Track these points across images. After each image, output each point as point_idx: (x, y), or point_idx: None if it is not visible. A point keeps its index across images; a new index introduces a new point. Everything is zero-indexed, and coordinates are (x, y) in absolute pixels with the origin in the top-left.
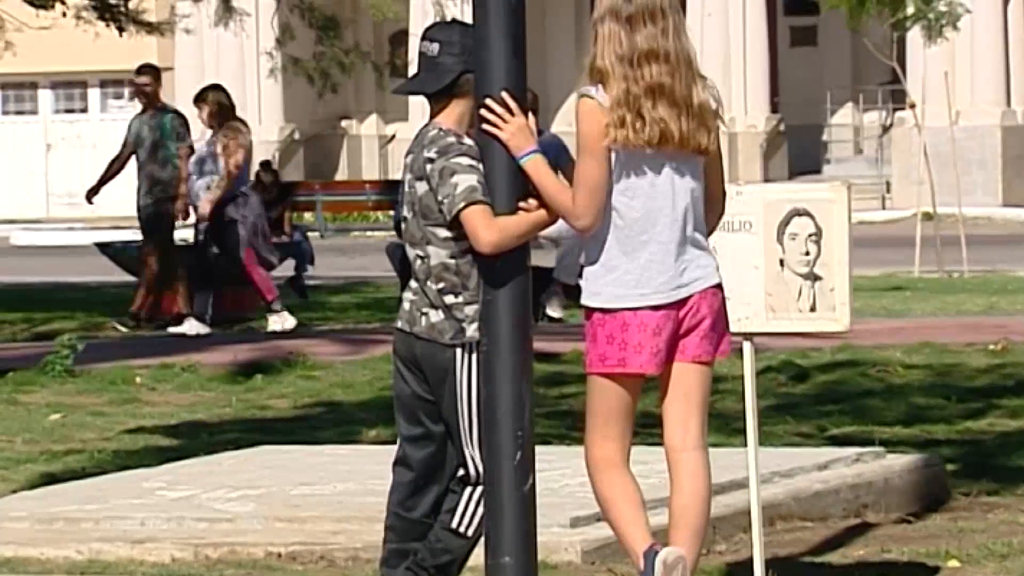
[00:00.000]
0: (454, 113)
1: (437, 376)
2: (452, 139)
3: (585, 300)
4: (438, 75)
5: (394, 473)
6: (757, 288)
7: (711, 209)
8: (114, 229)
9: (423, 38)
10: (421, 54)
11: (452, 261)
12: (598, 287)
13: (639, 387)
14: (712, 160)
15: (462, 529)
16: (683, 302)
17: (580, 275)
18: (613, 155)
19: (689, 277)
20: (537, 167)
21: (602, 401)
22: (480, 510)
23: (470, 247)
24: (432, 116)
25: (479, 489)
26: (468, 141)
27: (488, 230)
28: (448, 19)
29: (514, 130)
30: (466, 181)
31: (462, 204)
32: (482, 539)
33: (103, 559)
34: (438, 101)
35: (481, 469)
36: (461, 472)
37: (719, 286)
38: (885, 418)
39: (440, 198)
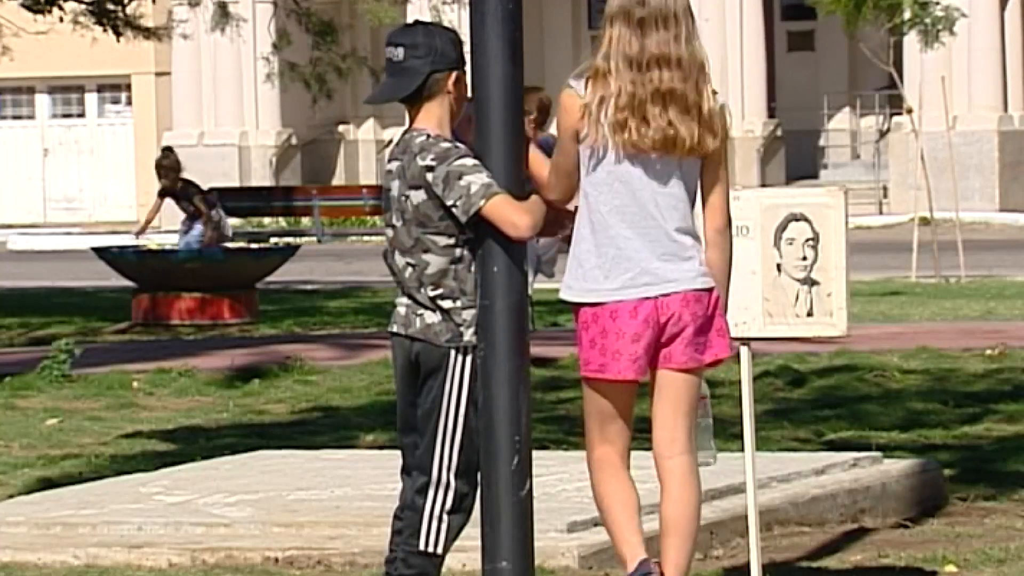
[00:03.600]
0: (433, 116)
1: (429, 375)
2: (447, 144)
3: (561, 293)
4: (407, 79)
5: (402, 481)
6: (754, 293)
7: (710, 215)
8: (111, 234)
9: (387, 44)
10: (388, 60)
11: (452, 267)
12: (570, 280)
13: (629, 391)
14: (713, 165)
15: (431, 549)
16: (663, 307)
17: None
18: (588, 149)
19: (662, 278)
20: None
21: (593, 404)
22: (444, 523)
23: (469, 253)
24: (411, 121)
25: (438, 499)
26: (461, 145)
27: (521, 214)
28: (413, 22)
29: None
30: (479, 180)
31: (482, 201)
32: (479, 543)
33: (100, 564)
34: (413, 106)
35: (448, 474)
36: (421, 480)
37: (707, 291)
38: (882, 423)
39: (451, 203)
